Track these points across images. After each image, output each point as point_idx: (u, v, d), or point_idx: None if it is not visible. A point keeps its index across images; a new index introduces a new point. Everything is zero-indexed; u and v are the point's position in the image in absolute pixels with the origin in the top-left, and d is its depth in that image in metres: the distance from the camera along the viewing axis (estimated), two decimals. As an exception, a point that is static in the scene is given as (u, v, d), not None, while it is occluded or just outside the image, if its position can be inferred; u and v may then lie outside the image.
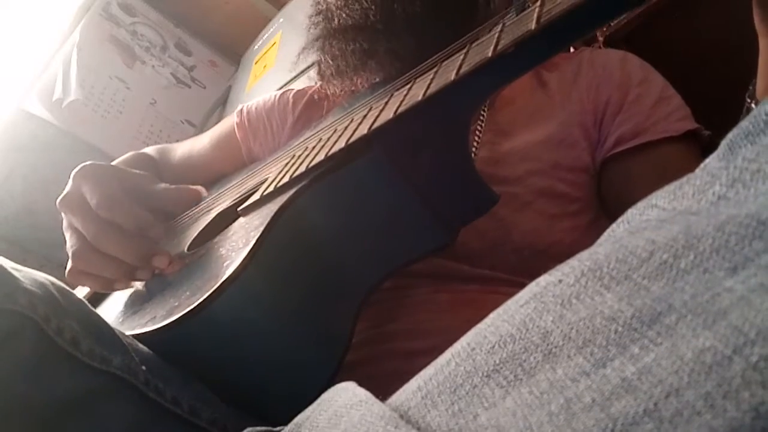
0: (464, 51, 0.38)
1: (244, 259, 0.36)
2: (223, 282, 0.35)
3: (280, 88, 1.32)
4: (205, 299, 0.35)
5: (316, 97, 0.71)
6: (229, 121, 0.75)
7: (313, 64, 1.33)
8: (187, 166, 0.74)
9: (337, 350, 0.40)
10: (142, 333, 0.37)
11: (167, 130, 1.62)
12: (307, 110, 0.69)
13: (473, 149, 0.55)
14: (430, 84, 0.38)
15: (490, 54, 0.34)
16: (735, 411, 0.10)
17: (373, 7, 0.54)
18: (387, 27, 0.53)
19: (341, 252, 0.42)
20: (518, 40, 0.33)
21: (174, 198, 0.54)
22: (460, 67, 0.36)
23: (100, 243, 0.45)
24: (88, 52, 1.52)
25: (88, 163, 0.50)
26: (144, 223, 0.46)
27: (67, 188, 0.49)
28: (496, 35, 0.35)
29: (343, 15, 0.56)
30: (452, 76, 0.36)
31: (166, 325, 0.36)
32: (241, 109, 0.75)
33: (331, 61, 0.58)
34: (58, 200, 0.49)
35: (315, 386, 0.38)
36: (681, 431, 0.11)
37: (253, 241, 0.37)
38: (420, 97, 0.37)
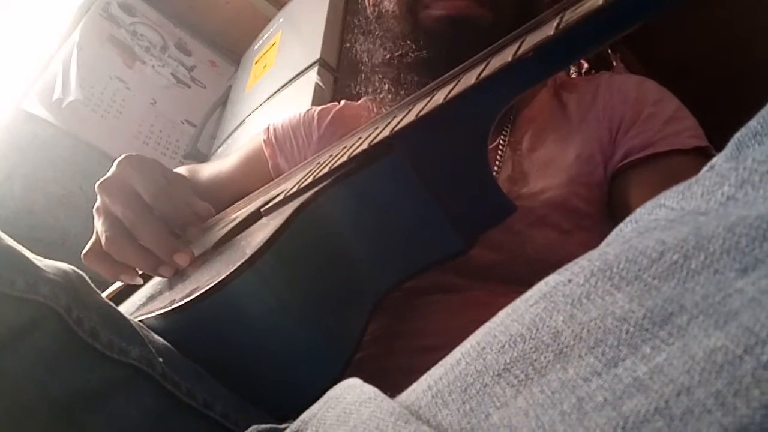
0: (486, 61, 0.39)
1: (261, 246, 0.37)
2: (239, 266, 0.36)
3: (281, 88, 1.33)
4: (219, 281, 0.36)
5: (338, 114, 0.74)
6: (256, 139, 0.78)
7: (314, 63, 1.33)
8: (215, 184, 0.76)
9: (346, 349, 0.41)
10: (162, 313, 0.38)
11: (167, 130, 1.62)
12: (332, 127, 0.72)
13: (496, 167, 0.57)
14: (451, 90, 0.39)
15: (510, 59, 0.35)
16: (745, 408, 0.10)
17: (437, 42, 0.57)
18: (448, 60, 0.56)
19: (358, 252, 0.43)
20: (537, 44, 0.34)
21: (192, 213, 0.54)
22: (481, 72, 0.37)
23: (139, 231, 0.45)
24: (88, 52, 1.51)
25: (133, 153, 0.52)
26: (189, 219, 0.48)
27: (110, 173, 0.50)
28: (518, 44, 0.37)
29: (411, 47, 0.58)
30: (473, 80, 0.37)
31: (183, 304, 0.36)
32: (268, 127, 0.77)
33: (393, 88, 0.61)
34: (97, 183, 0.49)
35: (319, 382, 0.39)
36: (691, 429, 0.11)
37: (272, 232, 0.38)
38: (441, 100, 0.38)
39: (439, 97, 0.39)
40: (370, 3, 0.68)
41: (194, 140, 1.63)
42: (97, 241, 0.49)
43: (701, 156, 0.54)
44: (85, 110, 1.47)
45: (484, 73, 0.37)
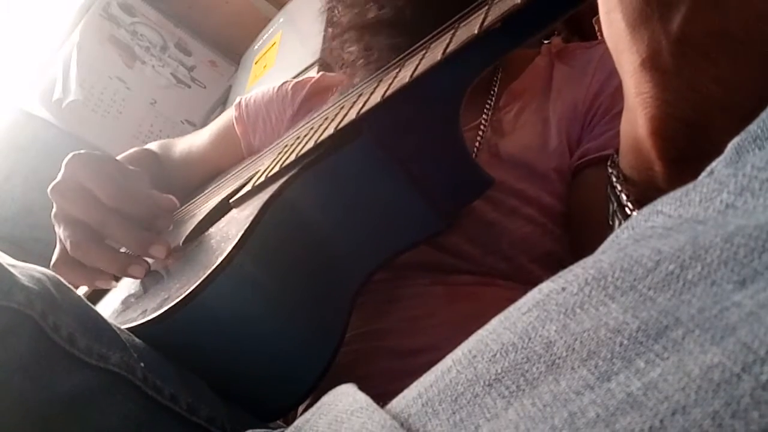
0: (452, 31, 0.37)
1: (232, 249, 0.36)
2: (211, 272, 0.35)
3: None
4: (192, 291, 0.35)
5: (315, 88, 0.69)
6: (228, 115, 0.73)
7: (313, 63, 1.31)
8: (186, 162, 0.73)
9: (331, 341, 0.40)
10: (134, 327, 0.37)
11: (167, 130, 1.62)
12: (307, 102, 0.68)
13: (475, 148, 0.53)
14: (417, 65, 0.37)
15: (476, 31, 0.33)
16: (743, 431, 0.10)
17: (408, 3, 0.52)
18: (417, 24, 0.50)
19: (334, 239, 0.42)
20: (504, 15, 0.32)
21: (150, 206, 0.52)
22: (447, 46, 0.35)
23: (109, 230, 0.44)
24: (88, 52, 1.51)
25: (81, 151, 0.49)
26: (153, 212, 0.46)
27: (61, 176, 0.48)
28: (484, 13, 0.34)
29: (376, 9, 0.54)
30: (439, 56, 0.35)
31: (156, 317, 0.36)
32: (240, 102, 0.73)
33: (365, 51, 0.56)
34: (49, 188, 0.47)
35: (309, 377, 0.39)
36: None
37: (242, 232, 0.37)
38: (407, 79, 0.36)
39: (405, 75, 0.37)
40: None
41: (194, 140, 1.63)
42: (63, 249, 0.47)
43: None
44: (86, 110, 1.47)
45: (450, 47, 0.35)
